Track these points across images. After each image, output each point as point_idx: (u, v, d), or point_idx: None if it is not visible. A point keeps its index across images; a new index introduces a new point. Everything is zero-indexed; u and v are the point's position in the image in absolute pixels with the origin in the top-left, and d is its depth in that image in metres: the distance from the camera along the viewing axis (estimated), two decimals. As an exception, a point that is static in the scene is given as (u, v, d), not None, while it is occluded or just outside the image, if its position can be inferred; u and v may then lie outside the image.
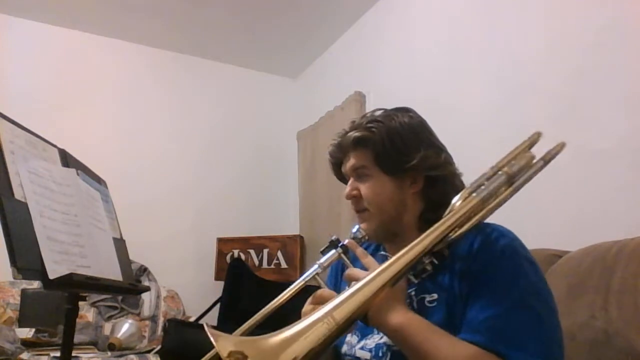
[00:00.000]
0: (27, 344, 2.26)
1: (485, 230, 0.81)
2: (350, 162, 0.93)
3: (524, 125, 1.89)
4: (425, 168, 0.88)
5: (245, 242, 3.41)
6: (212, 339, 0.54)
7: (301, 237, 3.39)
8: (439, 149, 0.92)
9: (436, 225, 0.74)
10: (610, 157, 1.56)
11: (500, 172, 0.79)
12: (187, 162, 3.58)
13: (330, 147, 0.98)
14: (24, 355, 2.11)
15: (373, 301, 0.67)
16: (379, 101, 2.91)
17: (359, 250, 0.81)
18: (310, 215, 3.44)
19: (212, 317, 2.61)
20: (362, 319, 0.69)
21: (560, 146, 0.82)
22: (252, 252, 3.37)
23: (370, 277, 0.68)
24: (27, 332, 2.36)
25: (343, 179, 0.99)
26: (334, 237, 0.85)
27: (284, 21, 3.26)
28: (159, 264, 3.15)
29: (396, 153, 0.88)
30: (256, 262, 3.33)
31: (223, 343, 0.55)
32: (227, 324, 2.21)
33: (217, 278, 3.34)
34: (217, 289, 3.15)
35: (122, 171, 3.10)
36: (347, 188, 0.94)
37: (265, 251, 3.35)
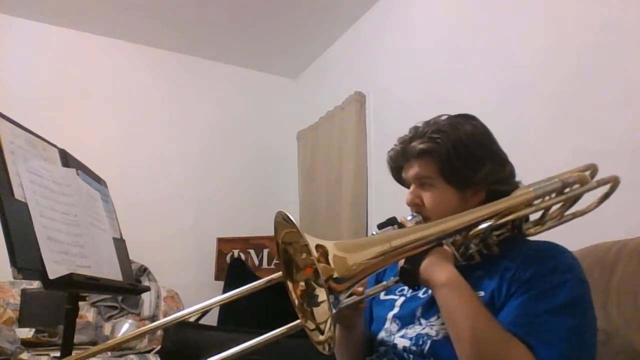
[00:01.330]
0: (27, 344, 2.26)
1: (545, 245, 0.85)
2: (414, 170, 0.93)
3: (524, 125, 1.91)
4: (490, 182, 0.90)
5: (245, 242, 3.40)
6: (303, 235, 0.65)
7: (301, 237, 3.39)
8: (503, 159, 0.93)
9: (491, 204, 0.82)
10: (610, 157, 1.55)
11: (556, 180, 0.87)
12: (187, 162, 3.58)
13: (391, 152, 0.98)
14: (24, 355, 2.11)
15: (419, 247, 0.76)
16: (379, 101, 2.91)
17: (409, 225, 0.88)
18: (310, 215, 3.43)
19: (212, 317, 2.61)
20: (413, 276, 0.79)
21: (614, 179, 0.92)
22: (252, 252, 3.37)
23: (422, 226, 0.80)
24: (27, 332, 2.35)
25: (400, 181, 1.00)
26: (392, 217, 0.92)
27: (284, 21, 3.26)
28: (159, 264, 3.15)
29: (462, 166, 0.89)
30: (256, 262, 3.33)
31: (310, 238, 0.65)
32: (227, 325, 2.21)
33: (217, 278, 3.33)
34: (217, 289, 3.15)
35: (122, 171, 3.10)
36: (409, 195, 0.94)
37: (265, 251, 3.35)
